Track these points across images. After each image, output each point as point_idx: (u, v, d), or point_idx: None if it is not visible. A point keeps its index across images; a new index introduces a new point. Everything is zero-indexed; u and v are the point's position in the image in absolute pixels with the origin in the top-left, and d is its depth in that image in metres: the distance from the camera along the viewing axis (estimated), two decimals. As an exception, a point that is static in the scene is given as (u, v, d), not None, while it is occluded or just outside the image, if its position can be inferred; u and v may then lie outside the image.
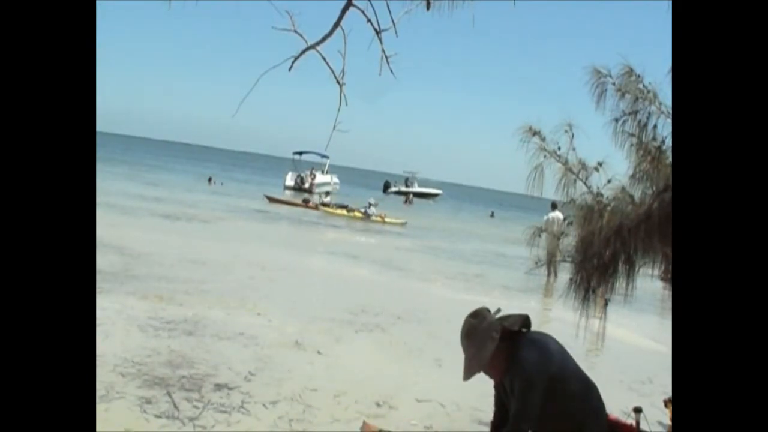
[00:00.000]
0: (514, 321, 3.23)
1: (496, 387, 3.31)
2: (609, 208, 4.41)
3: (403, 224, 27.36)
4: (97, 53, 1.99)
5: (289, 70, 3.90)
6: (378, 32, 3.90)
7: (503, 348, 3.13)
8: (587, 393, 3.23)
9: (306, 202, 30.03)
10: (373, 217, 27.36)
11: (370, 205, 28.18)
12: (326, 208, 28.85)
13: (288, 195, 37.96)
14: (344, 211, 28.09)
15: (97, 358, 5.37)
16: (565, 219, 4.65)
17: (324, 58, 3.92)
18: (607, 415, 3.52)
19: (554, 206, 12.93)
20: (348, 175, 68.30)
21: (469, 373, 3.14)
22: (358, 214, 27.60)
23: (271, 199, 30.05)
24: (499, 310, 3.31)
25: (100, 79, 2.17)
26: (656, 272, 4.45)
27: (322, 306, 9.61)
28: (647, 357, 8.60)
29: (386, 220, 27.21)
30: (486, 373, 3.21)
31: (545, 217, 12.14)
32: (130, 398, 5.07)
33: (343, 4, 3.81)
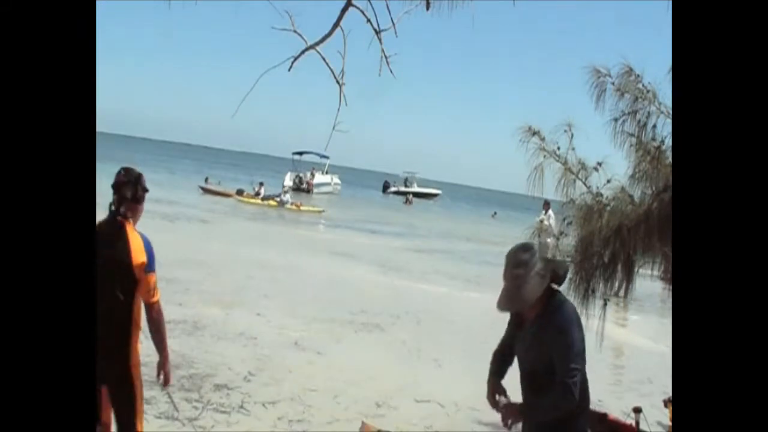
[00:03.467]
0: (559, 266, 3.06)
1: (513, 323, 3.09)
2: (608, 208, 4.41)
3: (320, 212, 27.42)
4: (97, 53, 1.99)
5: (289, 70, 3.90)
6: (378, 32, 3.90)
7: (545, 292, 2.90)
8: (585, 381, 3.16)
9: (240, 193, 29.39)
10: (288, 206, 27.28)
11: (284, 192, 28.12)
12: (239, 197, 28.41)
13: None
14: (258, 200, 27.83)
15: (97, 359, 5.36)
16: (564, 219, 4.64)
17: (324, 58, 3.92)
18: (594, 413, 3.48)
19: (547, 206, 12.85)
20: (348, 175, 68.27)
21: (510, 305, 2.91)
22: (273, 203, 27.46)
23: (205, 190, 29.90)
24: None
25: (100, 79, 2.16)
26: (656, 272, 4.45)
27: (322, 306, 9.60)
28: (647, 357, 8.61)
29: (302, 208, 27.29)
30: (521, 310, 2.97)
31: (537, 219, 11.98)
32: (129, 398, 5.07)
33: (342, 4, 3.81)
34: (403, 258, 16.43)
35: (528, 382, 2.97)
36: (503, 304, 2.90)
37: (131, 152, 61.22)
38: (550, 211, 12.18)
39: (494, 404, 3.08)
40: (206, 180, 38.35)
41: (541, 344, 2.85)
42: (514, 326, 3.12)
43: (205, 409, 5.05)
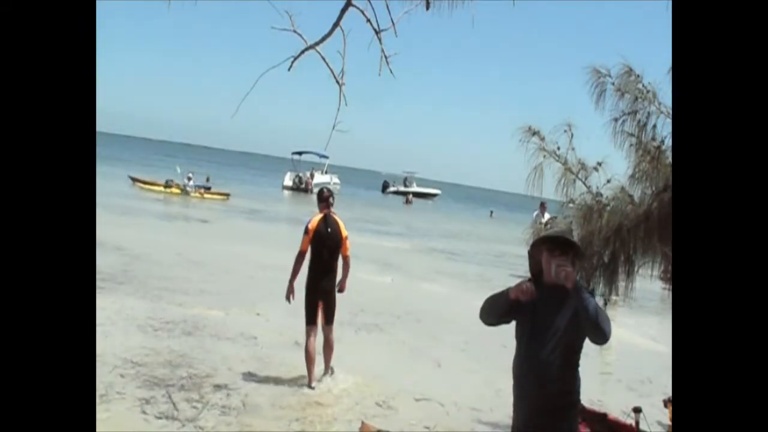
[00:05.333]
0: None
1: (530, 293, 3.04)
2: (608, 208, 4.41)
3: (225, 198, 27.27)
4: (97, 53, 1.99)
5: (289, 70, 3.89)
6: (377, 32, 3.90)
7: None
8: (578, 375, 3.13)
9: (169, 184, 28.68)
10: (192, 194, 26.98)
11: (188, 179, 27.65)
12: (140, 184, 27.92)
13: (286, 195, 38.21)
14: (161, 188, 27.40)
15: (97, 358, 5.37)
16: (564, 218, 4.64)
17: (324, 58, 3.92)
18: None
19: (543, 207, 12.86)
20: (347, 175, 68.29)
21: (577, 271, 3.08)
22: (176, 191, 27.10)
23: (135, 180, 29.28)
24: None
25: (100, 79, 2.16)
26: (656, 272, 4.45)
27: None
28: (647, 357, 8.61)
29: (205, 196, 27.06)
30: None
31: (538, 221, 11.95)
32: (130, 398, 5.07)
33: (342, 4, 3.81)
34: (403, 258, 16.42)
35: (556, 339, 2.94)
36: (572, 272, 2.96)
37: (129, 151, 61.27)
38: (547, 213, 12.20)
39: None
40: (206, 180, 38.33)
41: (572, 306, 2.90)
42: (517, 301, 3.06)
43: (204, 410, 5.05)
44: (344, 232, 6.05)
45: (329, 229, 5.98)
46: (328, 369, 6.11)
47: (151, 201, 23.08)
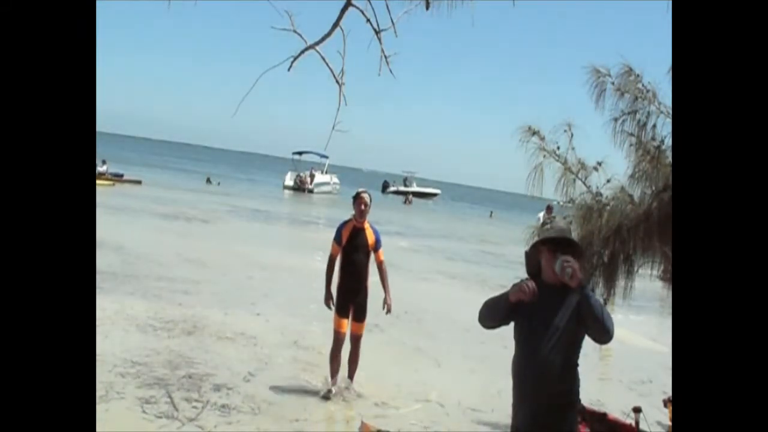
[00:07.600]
0: None
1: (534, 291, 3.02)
2: (608, 208, 4.41)
3: (111, 184, 26.80)
4: (97, 53, 1.99)
5: (289, 70, 3.90)
6: (377, 32, 3.90)
7: None
8: (577, 375, 3.12)
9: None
10: None
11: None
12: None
13: (287, 194, 38.38)
14: None
15: (97, 358, 5.36)
16: (564, 218, 4.64)
17: (323, 58, 3.92)
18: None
19: (550, 210, 12.80)
20: (347, 175, 68.25)
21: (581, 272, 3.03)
22: None
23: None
24: None
25: (100, 79, 2.16)
26: (656, 272, 4.45)
27: (322, 305, 9.57)
28: (647, 357, 8.60)
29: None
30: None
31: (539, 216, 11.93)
32: (129, 398, 5.07)
33: (342, 4, 3.81)
34: (403, 258, 16.40)
35: (555, 338, 2.92)
36: (579, 272, 2.92)
37: (128, 151, 61.32)
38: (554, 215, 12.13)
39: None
40: (207, 180, 38.48)
41: (571, 305, 2.89)
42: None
43: (204, 409, 5.05)
44: (372, 239, 5.95)
45: (358, 234, 5.92)
46: (352, 379, 5.95)
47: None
